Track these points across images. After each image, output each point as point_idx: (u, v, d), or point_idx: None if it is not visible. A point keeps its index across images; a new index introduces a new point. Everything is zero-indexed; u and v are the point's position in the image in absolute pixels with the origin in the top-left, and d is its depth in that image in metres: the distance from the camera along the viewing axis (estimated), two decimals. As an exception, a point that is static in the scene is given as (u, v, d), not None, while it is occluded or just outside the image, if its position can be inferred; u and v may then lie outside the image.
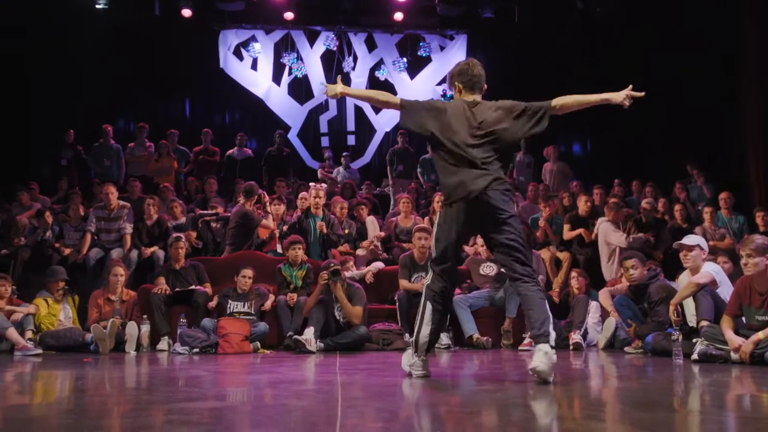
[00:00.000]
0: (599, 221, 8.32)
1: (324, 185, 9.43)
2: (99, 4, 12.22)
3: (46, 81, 12.01)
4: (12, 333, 6.44)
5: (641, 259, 6.61)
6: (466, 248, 8.35)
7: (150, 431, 2.51)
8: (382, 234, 8.64)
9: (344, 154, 12.93)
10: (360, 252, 8.43)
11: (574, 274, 7.40)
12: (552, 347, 3.77)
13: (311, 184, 9.21)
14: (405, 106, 4.16)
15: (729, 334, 5.09)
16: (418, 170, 12.17)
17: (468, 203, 3.89)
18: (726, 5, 10.94)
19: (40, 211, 8.84)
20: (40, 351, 6.48)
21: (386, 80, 13.96)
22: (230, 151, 12.10)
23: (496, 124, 3.99)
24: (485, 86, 4.23)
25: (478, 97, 4.15)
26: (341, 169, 12.56)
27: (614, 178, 10.85)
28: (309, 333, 6.39)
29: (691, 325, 5.67)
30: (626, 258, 6.67)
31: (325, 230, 8.15)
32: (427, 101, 4.27)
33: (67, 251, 8.32)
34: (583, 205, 8.87)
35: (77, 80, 12.30)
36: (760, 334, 4.89)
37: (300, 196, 9.04)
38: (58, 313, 7.04)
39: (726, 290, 5.54)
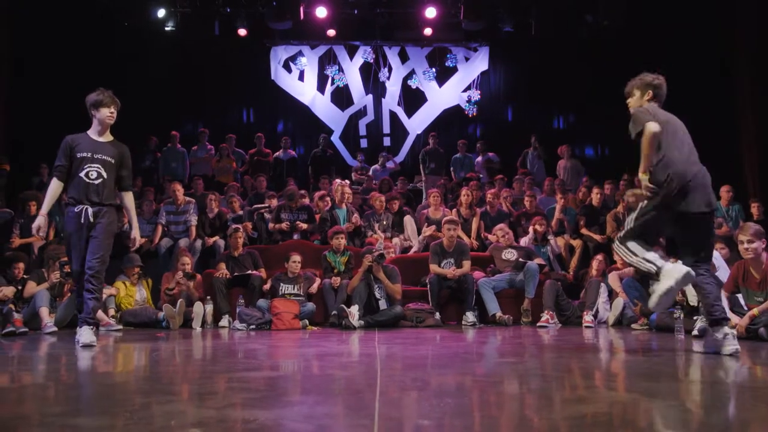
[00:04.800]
0: None
1: (347, 182, 9.47)
2: (167, 26, 12.44)
3: (127, 94, 12.21)
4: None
5: None
6: (489, 236, 8.31)
7: (214, 396, 2.55)
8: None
9: (382, 154, 12.94)
10: (395, 241, 8.44)
11: (599, 257, 7.23)
12: None
13: (335, 181, 9.29)
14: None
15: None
16: (451, 168, 12.17)
17: None
18: (721, 11, 10.81)
19: (118, 207, 8.97)
20: (120, 327, 6.63)
21: (417, 88, 13.93)
22: (277, 153, 12.17)
23: None
24: None
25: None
26: (377, 166, 12.58)
27: (622, 173, 10.68)
28: (354, 309, 6.48)
29: (692, 304, 5.58)
30: None
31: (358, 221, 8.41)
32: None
33: (141, 241, 8.47)
34: (595, 197, 8.81)
35: (151, 92, 12.53)
36: (755, 311, 4.83)
37: (333, 189, 9.16)
38: (135, 295, 7.20)
39: (723, 273, 5.47)
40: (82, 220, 4.73)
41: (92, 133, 4.90)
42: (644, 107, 4.07)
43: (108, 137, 4.94)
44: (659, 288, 3.80)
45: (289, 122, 14.38)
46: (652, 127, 3.80)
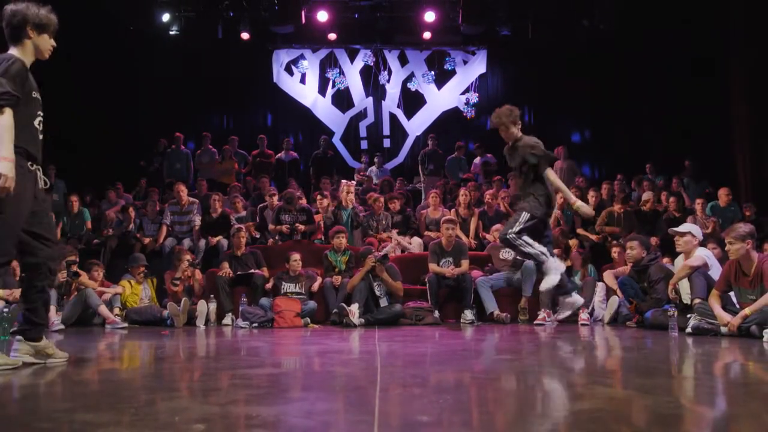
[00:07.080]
0: None
1: (353, 182, 9.50)
2: (172, 30, 12.46)
3: (132, 96, 12.25)
4: (103, 309, 6.62)
5: (641, 242, 6.49)
6: (487, 236, 8.31)
7: (217, 393, 2.54)
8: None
9: (377, 154, 12.97)
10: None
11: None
12: None
13: (342, 181, 9.31)
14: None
15: (718, 310, 5.04)
16: (446, 169, 12.17)
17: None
18: (714, 16, 10.82)
19: (124, 207, 9.00)
20: (125, 325, 6.64)
21: (416, 91, 13.94)
22: (279, 155, 12.19)
23: None
24: None
25: None
26: (375, 168, 12.59)
27: (616, 173, 10.69)
28: (354, 307, 6.47)
29: (685, 302, 5.59)
30: (629, 240, 6.61)
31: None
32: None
33: (146, 240, 8.48)
34: (590, 198, 8.83)
35: (155, 95, 12.54)
36: (747, 311, 4.84)
37: (340, 189, 9.16)
38: (140, 293, 7.21)
39: (716, 272, 5.47)
40: (40, 185, 3.26)
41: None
42: (537, 141, 5.23)
43: None
44: (550, 280, 5.20)
45: (291, 124, 14.38)
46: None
